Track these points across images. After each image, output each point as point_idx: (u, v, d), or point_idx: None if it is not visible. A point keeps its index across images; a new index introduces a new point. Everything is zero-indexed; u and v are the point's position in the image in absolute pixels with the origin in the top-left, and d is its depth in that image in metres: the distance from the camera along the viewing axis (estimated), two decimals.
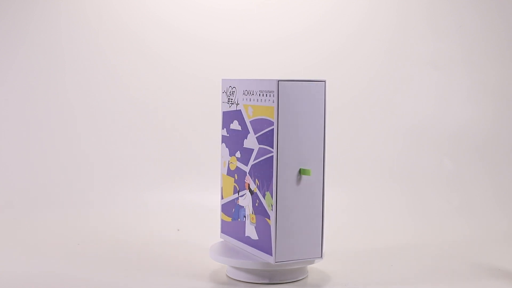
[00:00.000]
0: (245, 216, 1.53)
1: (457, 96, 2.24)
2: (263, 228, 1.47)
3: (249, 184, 1.51)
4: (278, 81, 1.41)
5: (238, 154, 1.55)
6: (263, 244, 1.47)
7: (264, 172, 1.46)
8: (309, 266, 1.59)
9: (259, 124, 1.47)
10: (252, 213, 1.50)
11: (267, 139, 1.45)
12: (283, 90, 1.42)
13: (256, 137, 1.49)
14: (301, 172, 1.44)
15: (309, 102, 1.44)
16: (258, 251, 1.49)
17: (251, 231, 1.51)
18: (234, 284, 1.50)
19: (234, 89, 1.56)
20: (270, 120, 1.44)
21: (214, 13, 2.28)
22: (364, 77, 2.26)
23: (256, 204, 1.49)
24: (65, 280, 1.52)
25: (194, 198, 1.81)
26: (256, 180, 1.49)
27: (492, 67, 2.24)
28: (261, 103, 1.46)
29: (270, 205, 1.44)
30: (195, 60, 2.27)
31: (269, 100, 1.44)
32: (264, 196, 1.46)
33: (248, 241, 1.52)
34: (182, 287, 1.49)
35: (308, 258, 1.47)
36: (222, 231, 1.62)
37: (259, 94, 1.47)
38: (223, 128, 1.61)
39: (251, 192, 1.51)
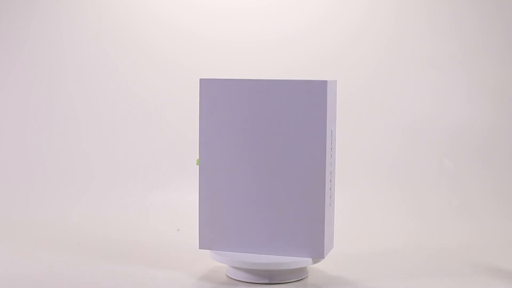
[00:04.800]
0: None
1: (456, 96, 2.24)
2: None
3: None
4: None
5: None
6: None
7: None
8: (309, 266, 1.59)
9: None
10: None
11: None
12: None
13: None
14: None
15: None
16: None
17: None
18: (234, 284, 1.50)
19: None
20: None
21: (214, 11, 2.28)
22: (363, 76, 2.26)
23: None
24: (65, 280, 1.52)
25: (195, 198, 1.81)
26: None
27: (491, 66, 2.24)
28: None
29: None
30: (197, 58, 2.26)
31: None
32: None
33: None
34: (182, 287, 1.49)
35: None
36: None
37: None
38: None
39: None
